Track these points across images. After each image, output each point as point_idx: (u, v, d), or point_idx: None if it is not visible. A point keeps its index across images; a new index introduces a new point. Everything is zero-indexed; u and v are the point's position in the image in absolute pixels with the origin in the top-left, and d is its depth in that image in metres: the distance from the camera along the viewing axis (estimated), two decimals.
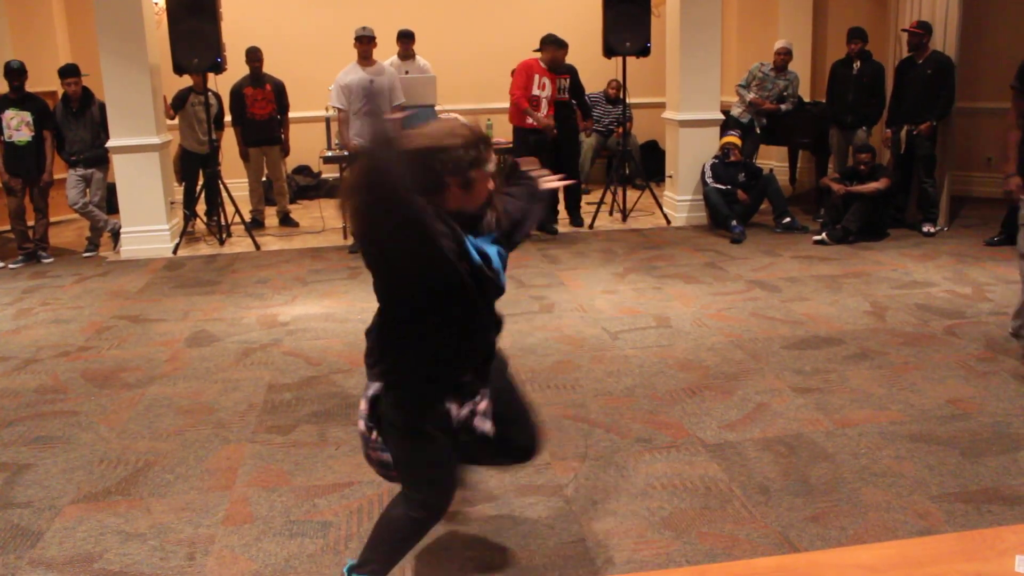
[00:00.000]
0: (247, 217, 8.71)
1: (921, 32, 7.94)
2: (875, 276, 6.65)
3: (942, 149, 8.22)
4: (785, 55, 8.93)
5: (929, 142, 8.04)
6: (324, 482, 3.67)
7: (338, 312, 6.02)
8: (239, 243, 8.16)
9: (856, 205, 7.71)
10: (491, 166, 2.44)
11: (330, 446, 4.00)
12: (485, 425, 2.63)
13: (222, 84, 8.54)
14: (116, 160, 7.78)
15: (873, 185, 7.72)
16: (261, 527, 3.33)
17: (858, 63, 8.43)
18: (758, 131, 9.07)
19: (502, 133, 8.81)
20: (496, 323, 2.76)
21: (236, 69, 8.55)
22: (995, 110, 9.49)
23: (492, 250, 2.51)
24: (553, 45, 7.94)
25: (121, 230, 7.88)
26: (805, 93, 9.85)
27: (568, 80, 8.29)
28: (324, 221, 9.03)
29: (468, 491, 3.28)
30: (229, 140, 8.98)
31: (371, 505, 3.45)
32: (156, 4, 8.90)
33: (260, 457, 3.91)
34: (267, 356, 5.20)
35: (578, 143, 9.02)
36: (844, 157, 8.58)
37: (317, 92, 8.68)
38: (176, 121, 8.42)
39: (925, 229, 8.06)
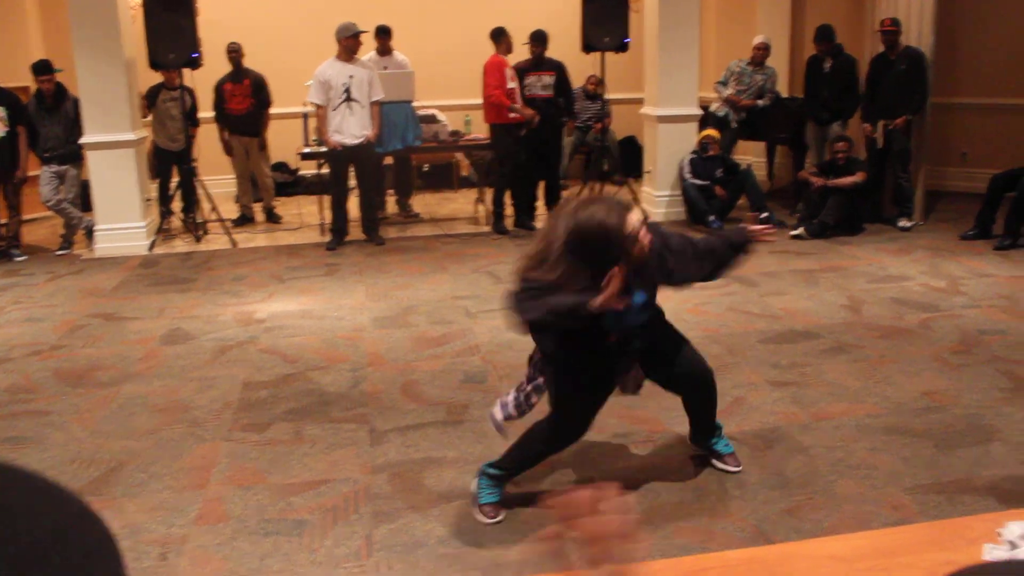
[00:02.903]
0: (232, 213, 8.67)
1: (894, 28, 7.98)
2: (851, 270, 6.68)
3: (917, 144, 8.26)
4: (763, 50, 8.96)
5: (904, 137, 8.09)
6: (299, 480, 3.65)
7: (315, 309, 5.99)
8: (216, 240, 8.11)
9: (833, 199, 7.74)
10: (640, 237, 2.92)
11: (306, 443, 3.98)
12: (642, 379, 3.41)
13: (201, 80, 8.48)
14: (90, 157, 7.71)
15: (850, 179, 7.76)
16: (235, 526, 3.31)
17: (829, 60, 8.47)
18: (734, 126, 9.09)
19: (480, 129, 8.79)
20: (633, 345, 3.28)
21: (216, 64, 8.50)
22: (970, 105, 9.58)
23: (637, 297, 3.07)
24: (501, 36, 7.92)
25: (95, 227, 7.80)
26: (783, 88, 9.88)
27: (553, 77, 8.26)
28: (302, 218, 8.99)
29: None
30: (207, 136, 8.91)
31: (346, 503, 3.43)
32: None
33: (235, 455, 3.88)
34: (243, 354, 5.17)
35: (560, 140, 9.00)
36: (821, 152, 8.62)
37: (295, 88, 8.62)
38: (149, 118, 8.36)
39: (901, 224, 8.11)
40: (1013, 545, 1.48)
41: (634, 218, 2.92)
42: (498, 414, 3.36)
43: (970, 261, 6.93)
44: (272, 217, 9.02)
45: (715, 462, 3.64)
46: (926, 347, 5.05)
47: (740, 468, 3.60)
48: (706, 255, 3.30)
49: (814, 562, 1.45)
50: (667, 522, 3.24)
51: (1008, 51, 9.31)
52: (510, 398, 3.37)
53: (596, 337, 3.14)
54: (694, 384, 3.49)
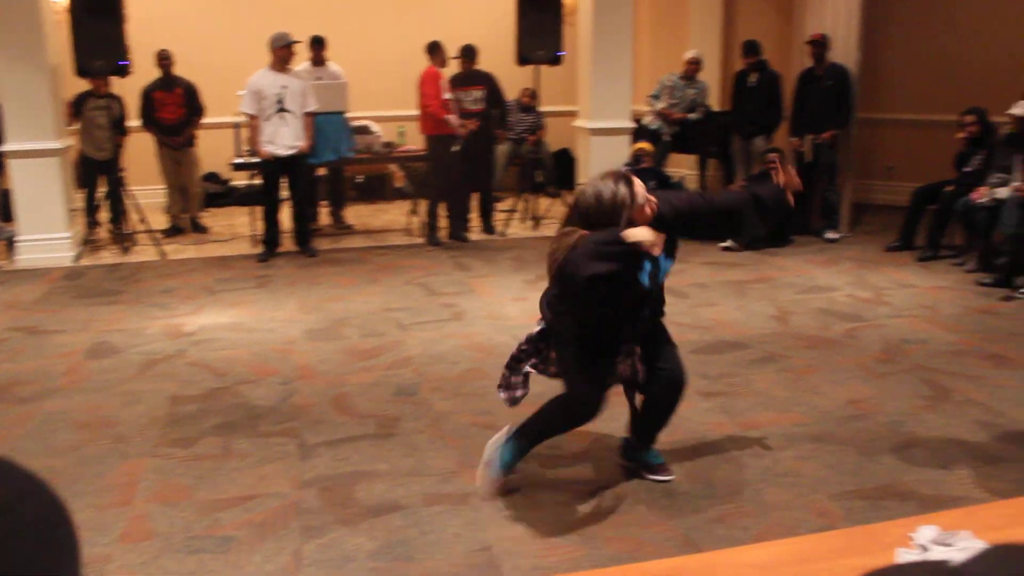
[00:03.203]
0: (161, 224, 8.51)
1: (821, 44, 8.17)
2: (780, 281, 6.80)
3: (843, 158, 8.45)
4: (695, 65, 9.08)
5: (831, 151, 8.27)
6: (227, 495, 3.59)
7: (246, 321, 5.90)
8: (144, 252, 7.95)
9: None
10: (640, 198, 3.24)
11: (234, 458, 3.91)
12: (640, 367, 3.51)
13: (129, 87, 8.33)
14: (12, 165, 7.51)
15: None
16: (161, 544, 3.24)
17: (755, 75, 8.64)
18: (667, 139, 9.19)
19: (414, 141, 8.77)
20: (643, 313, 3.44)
21: (144, 71, 8.35)
22: (894, 120, 9.84)
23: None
24: (436, 49, 7.94)
25: (15, 238, 7.60)
26: (715, 102, 10.03)
27: (483, 91, 8.30)
28: (233, 229, 8.87)
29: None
30: (136, 145, 8.75)
31: (275, 518, 3.38)
32: (56, 3, 8.63)
33: (161, 472, 3.80)
34: (171, 367, 5.07)
35: (493, 152, 9.03)
36: (747, 165, 8.76)
37: (227, 97, 8.51)
38: (75, 127, 8.18)
39: (828, 235, 8.29)
40: (924, 548, 1.52)
41: (635, 187, 3.24)
42: (508, 398, 3.57)
43: (894, 272, 7.11)
44: (197, 227, 8.89)
45: (648, 475, 3.66)
46: (851, 356, 5.15)
47: (673, 477, 3.64)
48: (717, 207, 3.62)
49: (735, 570, 1.47)
50: (597, 533, 3.25)
51: (930, 69, 9.58)
52: (517, 380, 3.57)
53: (613, 312, 3.34)
54: (670, 385, 3.56)
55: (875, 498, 3.52)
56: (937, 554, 1.43)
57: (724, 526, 3.29)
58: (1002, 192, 6.92)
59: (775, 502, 3.48)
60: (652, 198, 3.31)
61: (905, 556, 1.50)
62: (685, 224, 3.51)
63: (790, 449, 3.94)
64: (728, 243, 7.79)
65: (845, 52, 8.34)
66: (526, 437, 3.52)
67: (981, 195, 7.06)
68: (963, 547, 1.46)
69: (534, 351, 3.53)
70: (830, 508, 3.44)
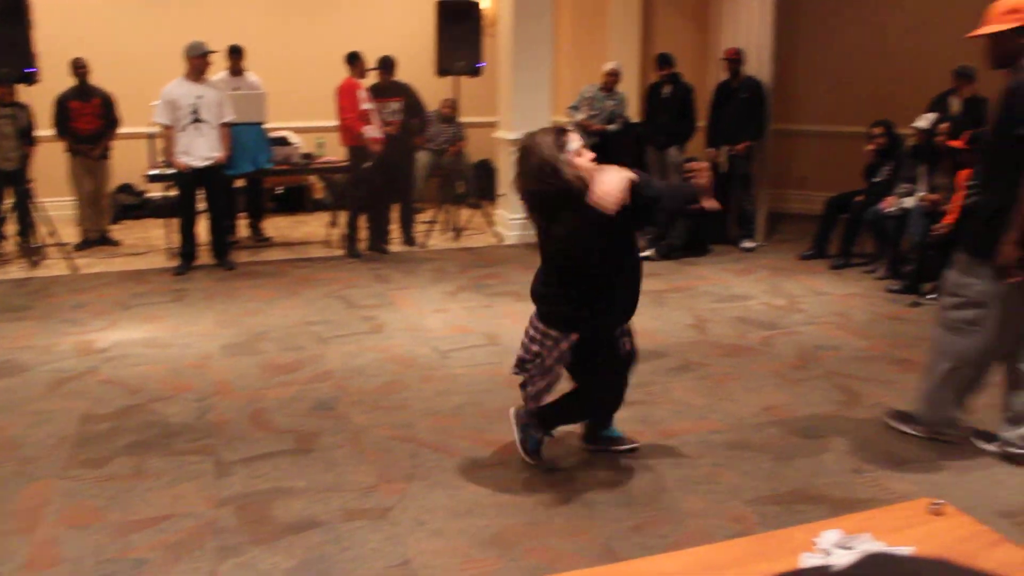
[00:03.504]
0: (72, 237, 8.28)
1: (736, 58, 8.35)
2: (698, 290, 6.90)
3: (759, 168, 8.64)
4: (614, 76, 9.18)
5: (746, 162, 8.45)
6: (140, 516, 3.49)
7: (161, 337, 5.77)
8: (55, 266, 7.72)
9: (680, 222, 7.99)
10: (573, 144, 3.38)
11: (148, 478, 3.82)
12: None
13: (38, 96, 8.10)
14: None
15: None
16: (69, 569, 3.14)
17: (668, 87, 8.78)
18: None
19: (334, 152, 8.69)
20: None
21: (54, 80, 8.13)
22: (807, 132, 10.10)
23: None
24: (356, 60, 7.92)
25: None
26: (633, 113, 10.15)
27: (401, 102, 8.28)
28: (149, 242, 8.67)
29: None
30: (46, 156, 8.51)
31: (190, 538, 3.31)
32: None
33: (70, 494, 3.69)
34: (82, 385, 4.93)
35: (413, 163, 9.00)
36: (661, 176, 8.88)
37: (141, 107, 8.33)
38: None
39: (744, 245, 8.45)
40: (827, 552, 1.56)
41: (566, 136, 3.40)
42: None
43: (808, 280, 7.27)
44: (107, 241, 8.68)
45: (616, 448, 3.96)
46: (767, 363, 5.25)
47: (638, 444, 3.97)
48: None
49: None
50: (516, 544, 3.25)
51: (840, 82, 9.87)
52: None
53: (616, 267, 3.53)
54: (631, 362, 3.88)
55: (788, 503, 3.59)
56: (837, 558, 1.47)
57: (642, 534, 3.32)
58: (909, 202, 7.14)
59: (692, 509, 3.52)
60: (588, 154, 3.43)
61: (809, 560, 1.53)
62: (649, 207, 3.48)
63: (707, 456, 3.99)
64: (647, 252, 7.88)
65: (759, 66, 8.54)
66: (543, 425, 3.81)
67: (889, 205, 7.28)
68: (863, 550, 1.50)
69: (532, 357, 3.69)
70: (745, 514, 3.49)
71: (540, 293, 3.67)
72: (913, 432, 4.20)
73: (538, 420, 3.79)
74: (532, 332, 3.66)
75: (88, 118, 8.30)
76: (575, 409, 3.85)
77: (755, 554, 1.56)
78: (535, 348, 3.62)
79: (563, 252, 3.53)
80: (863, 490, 3.70)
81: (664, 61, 8.79)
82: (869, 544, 1.53)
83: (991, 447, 4.03)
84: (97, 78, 8.52)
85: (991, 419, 4.13)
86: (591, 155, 3.45)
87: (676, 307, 6.41)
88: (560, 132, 3.45)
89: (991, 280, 3.74)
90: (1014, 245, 3.61)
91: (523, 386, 3.77)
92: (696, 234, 8.13)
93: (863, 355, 5.42)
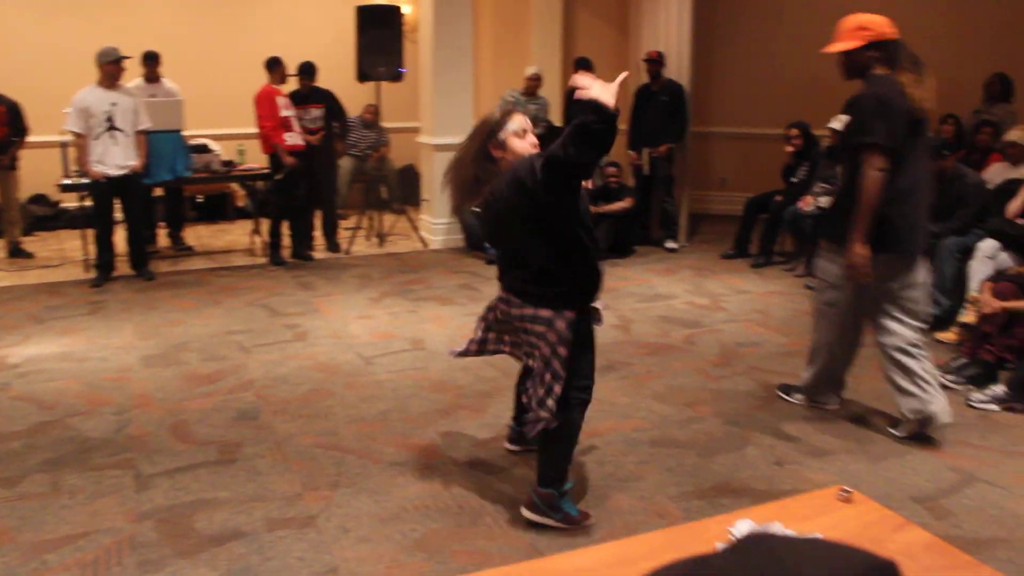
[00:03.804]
0: None
1: (657, 61, 8.45)
2: (622, 291, 6.97)
3: (680, 170, 8.76)
4: (536, 81, 9.22)
5: (668, 163, 8.56)
6: (55, 535, 3.40)
7: (77, 350, 5.62)
8: None
9: (604, 224, 8.05)
10: (515, 124, 3.24)
11: (64, 495, 3.72)
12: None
13: None
14: None
15: (619, 204, 8.11)
16: None
17: None
18: None
19: (255, 159, 8.57)
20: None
21: None
22: (727, 134, 10.29)
23: None
24: (275, 65, 7.85)
25: None
26: (556, 118, 10.21)
27: (322, 109, 8.23)
28: (63, 254, 8.45)
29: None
30: None
31: (108, 555, 3.23)
32: None
33: None
34: None
35: (335, 169, 8.94)
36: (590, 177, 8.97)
37: (53, 114, 8.11)
38: None
39: (667, 245, 8.56)
40: None
41: (511, 116, 3.27)
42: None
43: (730, 279, 7.40)
44: (19, 253, 8.42)
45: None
46: (690, 361, 5.33)
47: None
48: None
49: (561, 575, 1.49)
50: (443, 547, 3.25)
51: (758, 85, 10.07)
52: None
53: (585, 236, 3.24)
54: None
55: (712, 497, 3.64)
56: None
57: (568, 534, 3.34)
58: (825, 201, 7.31)
59: (618, 507, 3.55)
60: (532, 136, 3.28)
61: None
62: None
63: (631, 454, 4.03)
64: None
65: (679, 69, 8.67)
66: (561, 476, 3.39)
67: (807, 204, 7.44)
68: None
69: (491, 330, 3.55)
70: (670, 509, 3.54)
71: (519, 287, 3.30)
72: (795, 401, 4.67)
73: (543, 483, 3.39)
74: (516, 333, 3.41)
75: None
76: (562, 436, 3.37)
77: (668, 546, 1.58)
78: (528, 343, 3.32)
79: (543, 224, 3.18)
80: (784, 482, 3.78)
81: (582, 64, 8.86)
82: (779, 532, 1.57)
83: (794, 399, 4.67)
84: (3, 85, 8.27)
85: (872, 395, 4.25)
86: (534, 141, 3.27)
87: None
88: (505, 113, 3.29)
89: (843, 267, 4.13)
90: (860, 246, 3.99)
91: (519, 421, 3.77)
92: (620, 236, 8.21)
93: (783, 351, 5.53)
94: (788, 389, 4.73)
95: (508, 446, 4.05)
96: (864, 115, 3.95)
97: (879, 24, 4.03)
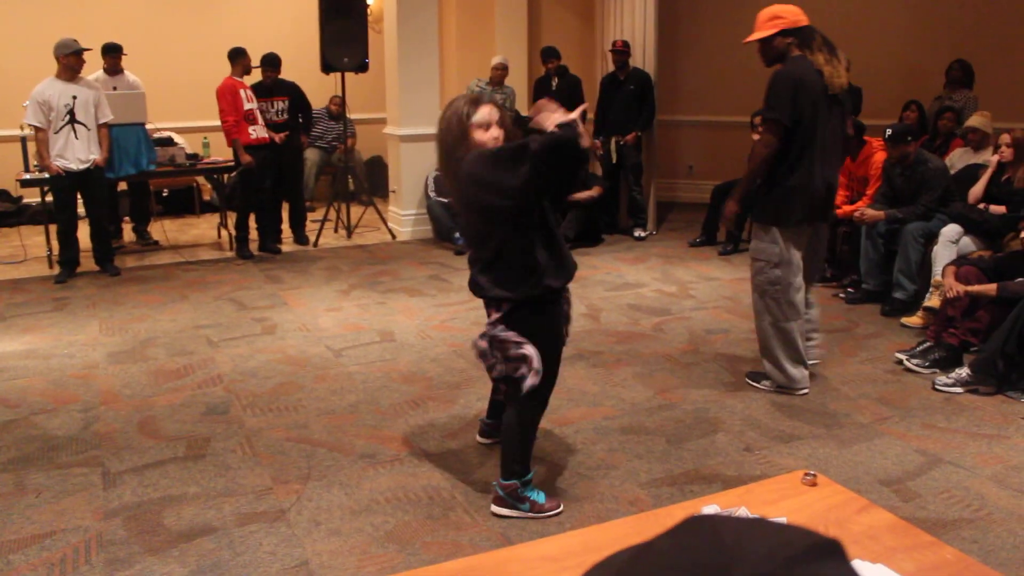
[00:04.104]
0: None
1: (624, 50, 8.46)
2: (591, 280, 6.98)
3: (647, 158, 8.78)
4: (501, 70, 9.22)
5: (635, 152, 8.58)
6: (21, 535, 3.36)
7: (41, 348, 5.56)
8: None
9: (572, 213, 8.07)
10: (480, 116, 3.23)
11: (29, 494, 3.68)
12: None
13: None
14: None
15: (587, 193, 8.12)
16: None
17: (556, 79, 8.85)
18: None
19: (220, 151, 8.50)
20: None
21: None
22: (693, 122, 10.33)
23: None
24: (239, 57, 7.78)
25: None
26: (522, 107, 10.21)
27: (286, 101, 8.17)
28: (25, 250, 8.34)
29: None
30: None
31: (76, 554, 3.20)
32: None
33: None
34: None
35: (302, 162, 8.88)
36: None
37: (12, 108, 7.99)
38: None
39: (636, 233, 8.59)
40: None
41: (479, 107, 3.27)
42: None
43: (698, 266, 7.44)
44: None
45: None
46: (659, 349, 5.35)
47: (536, 436, 3.60)
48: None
49: (527, 564, 1.49)
50: (414, 539, 3.25)
51: (722, 73, 10.10)
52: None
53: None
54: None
55: (682, 483, 3.67)
56: None
57: (539, 523, 3.35)
58: None
59: (588, 495, 3.57)
60: (498, 133, 3.27)
61: None
62: None
63: (602, 443, 4.05)
64: None
65: (644, 58, 8.68)
66: (522, 467, 3.39)
67: None
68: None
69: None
70: (640, 496, 3.56)
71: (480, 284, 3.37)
72: (765, 388, 4.71)
73: (505, 475, 3.40)
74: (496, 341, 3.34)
75: None
76: (521, 426, 3.39)
77: (634, 533, 1.59)
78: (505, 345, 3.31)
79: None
80: (753, 467, 3.81)
81: (550, 54, 8.86)
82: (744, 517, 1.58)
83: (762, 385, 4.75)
84: None
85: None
86: (498, 133, 3.27)
87: None
88: (473, 101, 3.29)
89: (779, 243, 4.42)
90: (736, 203, 4.64)
91: (491, 415, 3.86)
92: (588, 225, 8.23)
93: (751, 337, 5.54)
94: (757, 376, 4.79)
95: (480, 439, 4.05)
96: (774, 93, 4.31)
97: (791, 12, 4.34)
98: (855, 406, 4.46)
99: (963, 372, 4.68)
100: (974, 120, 6.80)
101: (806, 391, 4.63)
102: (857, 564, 0.60)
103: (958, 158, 6.77)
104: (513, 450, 3.41)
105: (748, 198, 4.56)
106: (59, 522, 3.44)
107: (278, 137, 7.94)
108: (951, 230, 5.82)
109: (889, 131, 6.08)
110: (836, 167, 4.59)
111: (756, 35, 4.41)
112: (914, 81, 8.78)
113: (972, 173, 6.22)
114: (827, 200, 4.47)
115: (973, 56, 8.16)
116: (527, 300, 3.26)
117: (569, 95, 8.80)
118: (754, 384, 4.76)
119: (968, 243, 5.78)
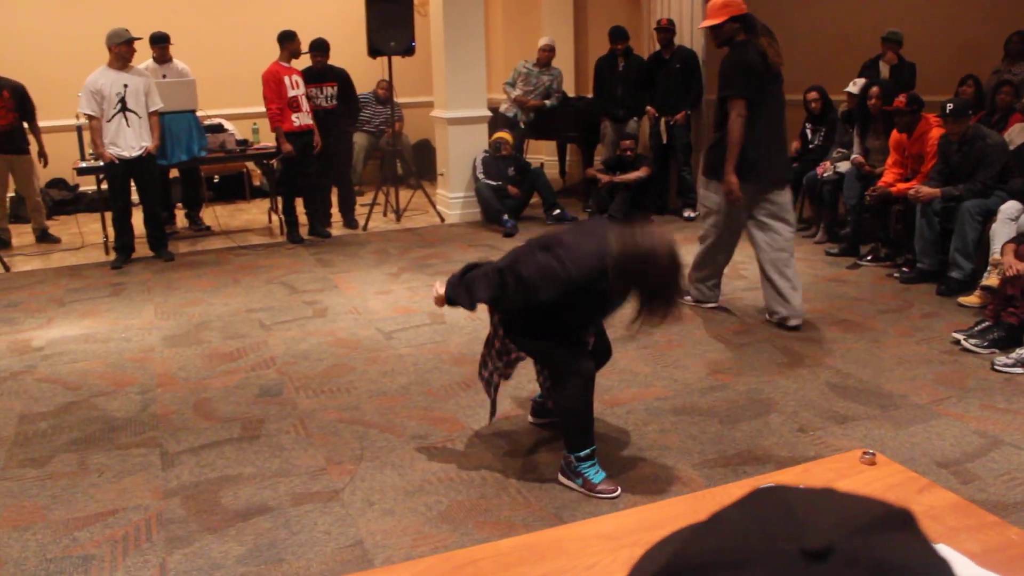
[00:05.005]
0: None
1: (669, 28, 8.38)
2: None
3: (696, 138, 8.69)
4: (549, 52, 9.18)
5: (685, 131, 8.50)
6: (85, 513, 3.44)
7: (100, 332, 5.67)
8: None
9: (620, 194, 8.03)
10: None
11: (92, 473, 3.76)
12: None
13: None
14: None
15: (635, 174, 8.07)
16: (12, 571, 3.08)
17: (622, 60, 8.77)
18: (523, 126, 9.27)
19: (268, 137, 8.57)
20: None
21: None
22: None
23: None
24: (288, 40, 7.82)
25: None
26: (569, 88, 10.17)
27: (335, 87, 8.21)
28: (83, 237, 8.50)
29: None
30: None
31: (137, 531, 3.27)
32: None
33: (11, 495, 3.61)
34: (19, 385, 4.82)
35: (350, 147, 8.93)
36: (615, 149, 8.91)
37: (68, 98, 8.12)
38: None
39: (686, 214, 8.51)
40: None
41: None
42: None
43: (749, 247, 7.30)
44: (47, 238, 8.44)
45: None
46: (711, 329, 5.32)
47: None
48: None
49: (583, 543, 1.49)
50: (468, 519, 3.26)
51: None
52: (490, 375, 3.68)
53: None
54: (605, 351, 3.81)
55: (736, 464, 3.64)
56: None
57: (591, 503, 3.35)
58: (843, 166, 7.25)
59: (641, 475, 3.56)
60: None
61: None
62: None
63: (654, 423, 4.04)
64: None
65: (692, 37, 8.58)
66: (576, 440, 3.44)
67: (825, 169, 7.38)
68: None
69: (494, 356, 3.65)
70: (693, 477, 3.54)
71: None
72: (684, 302, 5.58)
73: (567, 448, 3.47)
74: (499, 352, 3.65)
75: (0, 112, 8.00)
76: (568, 407, 3.46)
77: (689, 512, 1.58)
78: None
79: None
80: (807, 448, 3.77)
81: (620, 35, 8.75)
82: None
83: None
84: (12, 69, 8.23)
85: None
86: None
87: None
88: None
89: (721, 194, 5.24)
90: (733, 176, 5.09)
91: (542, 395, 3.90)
92: (637, 205, 8.18)
93: (805, 317, 5.50)
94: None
95: (532, 419, 4.06)
96: (728, 73, 5.06)
97: (738, 2, 5.05)
98: (911, 387, 4.39)
99: (1023, 352, 4.58)
100: None
101: (714, 305, 5.69)
102: None
103: (1017, 133, 6.60)
104: (569, 427, 3.47)
105: (741, 165, 5.10)
106: (121, 501, 3.51)
107: (287, 147, 7.86)
108: (1011, 207, 5.69)
109: (950, 106, 5.95)
110: (783, 135, 5.35)
111: (709, 21, 5.10)
112: (970, 55, 8.57)
113: None
114: (778, 167, 5.25)
115: None
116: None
117: (636, 76, 8.70)
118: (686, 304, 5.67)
119: None
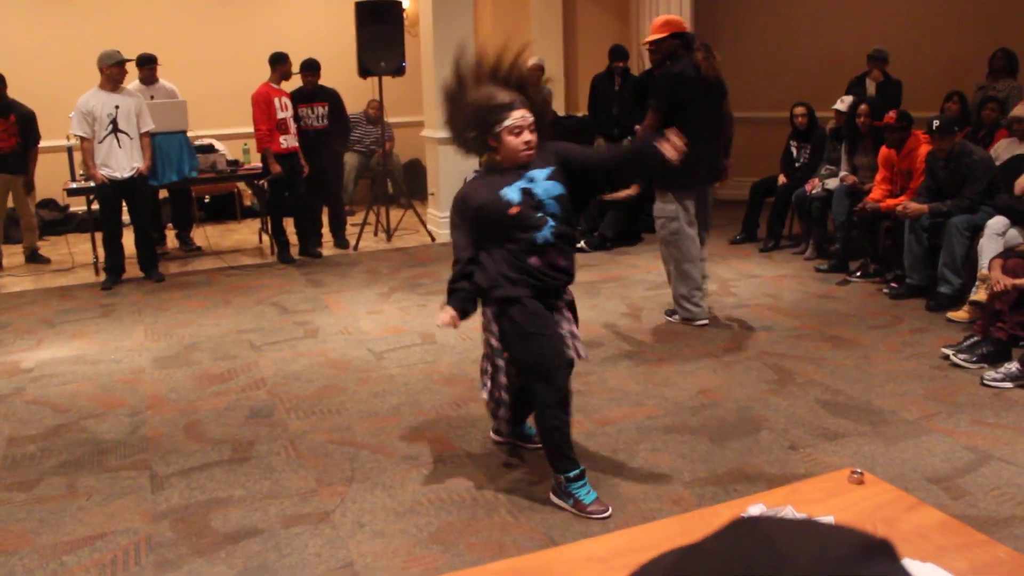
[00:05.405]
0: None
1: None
2: (631, 279, 6.96)
3: None
4: (538, 71, 9.19)
5: None
6: (73, 537, 3.42)
7: (90, 353, 5.65)
8: None
9: (611, 213, 8.05)
10: (512, 121, 3.35)
11: (81, 496, 3.74)
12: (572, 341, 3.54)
13: None
14: None
15: (625, 192, 8.09)
16: None
17: (619, 79, 8.80)
18: None
19: (259, 158, 8.57)
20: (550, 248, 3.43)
21: None
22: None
23: (539, 187, 3.44)
24: (279, 63, 7.85)
25: None
26: (559, 107, 10.20)
27: (326, 107, 8.23)
28: (73, 258, 8.48)
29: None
30: None
31: (126, 555, 3.25)
32: None
33: None
34: (7, 407, 4.80)
35: (340, 167, 8.94)
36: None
37: (59, 119, 8.13)
38: None
39: None
40: None
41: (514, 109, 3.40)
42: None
43: (739, 264, 7.38)
44: (37, 258, 8.43)
45: (525, 446, 3.95)
46: (701, 347, 5.32)
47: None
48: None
49: (573, 565, 1.49)
50: (458, 540, 3.25)
51: (757, 69, 10.02)
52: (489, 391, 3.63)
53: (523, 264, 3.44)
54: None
55: (726, 482, 3.64)
56: None
57: (582, 523, 3.34)
58: (832, 183, 7.29)
59: (632, 495, 3.56)
60: (531, 137, 3.40)
61: None
62: (593, 176, 3.67)
63: (645, 442, 4.03)
64: (581, 244, 7.92)
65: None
66: (561, 463, 3.41)
67: (814, 186, 7.42)
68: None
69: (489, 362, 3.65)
70: (684, 496, 3.54)
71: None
72: (675, 320, 5.80)
73: (555, 468, 3.45)
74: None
75: (4, 136, 7.99)
76: (539, 421, 3.44)
77: (679, 533, 1.58)
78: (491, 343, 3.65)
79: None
80: (798, 466, 3.77)
81: (621, 54, 8.79)
82: (791, 516, 1.57)
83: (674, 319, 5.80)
84: (12, 90, 8.23)
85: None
86: (531, 137, 3.39)
87: (610, 296, 6.46)
88: (505, 107, 3.38)
89: (673, 203, 5.57)
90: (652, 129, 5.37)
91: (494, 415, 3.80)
92: (628, 224, 8.20)
93: (794, 334, 5.52)
94: (671, 312, 5.86)
95: (492, 436, 4.07)
96: (658, 88, 5.55)
97: (679, 21, 5.65)
98: (901, 402, 4.41)
99: (1012, 366, 4.60)
100: (1019, 109, 6.67)
101: (705, 323, 5.71)
102: (907, 563, 0.60)
103: (1003, 149, 6.65)
104: (547, 449, 3.47)
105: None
106: (109, 524, 3.49)
107: (276, 168, 7.85)
108: (997, 222, 5.72)
109: (936, 123, 5.99)
110: (715, 139, 5.65)
111: (652, 37, 5.53)
112: (954, 71, 8.65)
113: (1018, 164, 6.11)
114: (707, 167, 5.60)
115: (1016, 44, 8.02)
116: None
117: (632, 95, 8.72)
118: (668, 319, 5.83)
119: (1015, 235, 5.68)
